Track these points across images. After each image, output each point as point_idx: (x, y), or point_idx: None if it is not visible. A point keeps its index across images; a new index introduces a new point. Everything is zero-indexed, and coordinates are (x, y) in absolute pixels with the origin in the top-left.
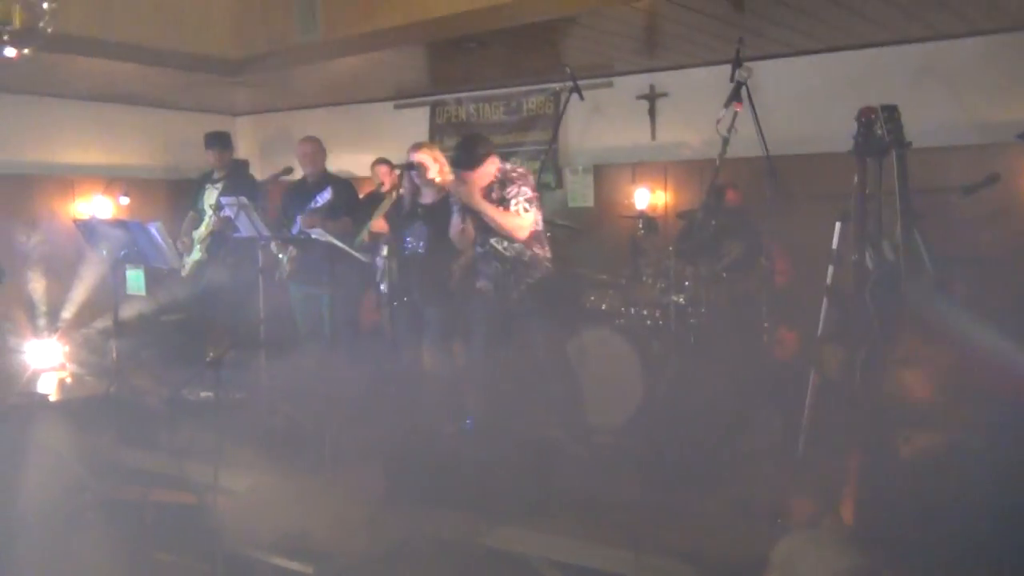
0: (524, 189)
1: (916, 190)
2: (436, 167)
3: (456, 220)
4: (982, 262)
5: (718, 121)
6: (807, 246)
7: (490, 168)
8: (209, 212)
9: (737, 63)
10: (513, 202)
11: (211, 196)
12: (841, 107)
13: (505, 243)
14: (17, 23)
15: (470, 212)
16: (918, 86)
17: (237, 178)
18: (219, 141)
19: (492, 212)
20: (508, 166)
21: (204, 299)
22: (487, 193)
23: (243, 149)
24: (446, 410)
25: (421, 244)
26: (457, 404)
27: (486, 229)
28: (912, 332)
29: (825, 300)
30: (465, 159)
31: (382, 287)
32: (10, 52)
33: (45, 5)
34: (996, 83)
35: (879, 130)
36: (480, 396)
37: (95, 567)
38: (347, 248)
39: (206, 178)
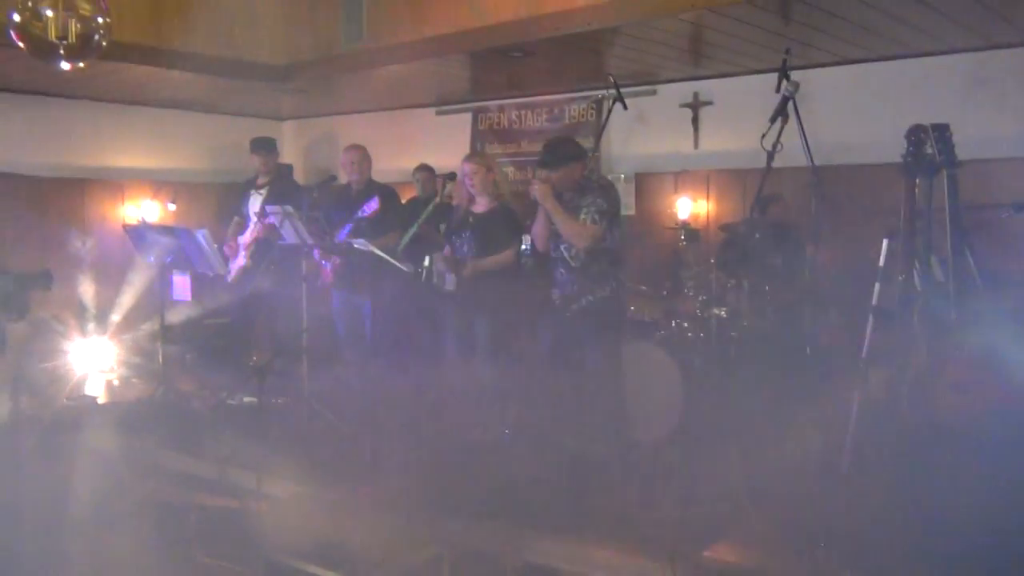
0: (600, 201)
1: (967, 205)
2: (484, 178)
3: (540, 220)
4: None
5: (763, 136)
6: (854, 259)
7: (574, 172)
8: (254, 218)
9: (784, 74)
10: (584, 210)
11: (256, 202)
12: (889, 117)
13: (573, 251)
14: (73, 38)
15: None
16: (968, 96)
17: (281, 183)
18: (264, 146)
19: (559, 214)
20: (595, 176)
21: (248, 305)
22: (564, 196)
23: (288, 153)
24: (486, 421)
25: (469, 253)
26: (498, 415)
27: (559, 234)
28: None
29: (871, 319)
30: (548, 158)
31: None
32: (65, 65)
33: (100, 20)
34: None
35: (929, 149)
36: (521, 407)
37: (139, 569)
38: (390, 259)
39: (250, 184)
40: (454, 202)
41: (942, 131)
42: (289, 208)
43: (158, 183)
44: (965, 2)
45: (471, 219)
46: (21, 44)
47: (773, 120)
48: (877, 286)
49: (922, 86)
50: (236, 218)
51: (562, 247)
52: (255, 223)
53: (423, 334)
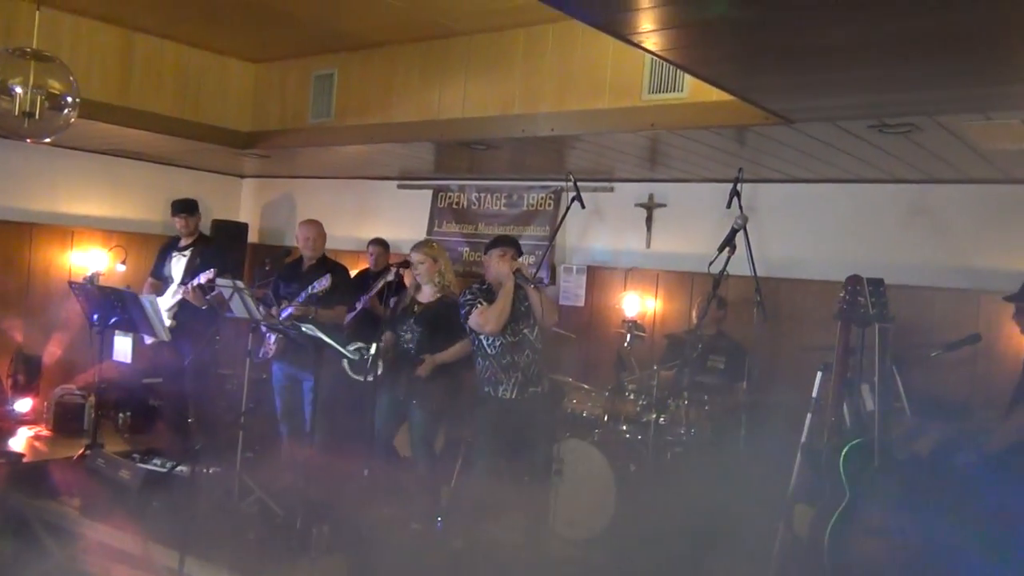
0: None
1: (900, 330)
2: (430, 268)
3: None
4: (959, 406)
5: (711, 263)
6: (791, 369)
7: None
8: (176, 280)
9: (735, 192)
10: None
11: (179, 263)
12: (834, 236)
13: (536, 332)
14: (40, 115)
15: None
16: (908, 224)
17: (206, 247)
18: (187, 208)
19: (538, 291)
20: None
21: (180, 368)
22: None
23: (246, 211)
24: (419, 509)
25: (413, 341)
26: (431, 503)
27: (519, 317)
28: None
29: (799, 456)
30: (517, 246)
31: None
32: (27, 140)
33: (69, 99)
34: (983, 231)
35: (863, 300)
36: (458, 497)
37: None
38: (337, 346)
39: (171, 245)
40: (402, 281)
41: (876, 286)
42: (240, 283)
43: (109, 232)
44: (906, 144)
45: (416, 308)
46: None
47: (721, 249)
48: (809, 417)
49: (865, 211)
50: (151, 280)
51: (524, 329)
52: (182, 287)
53: (361, 417)
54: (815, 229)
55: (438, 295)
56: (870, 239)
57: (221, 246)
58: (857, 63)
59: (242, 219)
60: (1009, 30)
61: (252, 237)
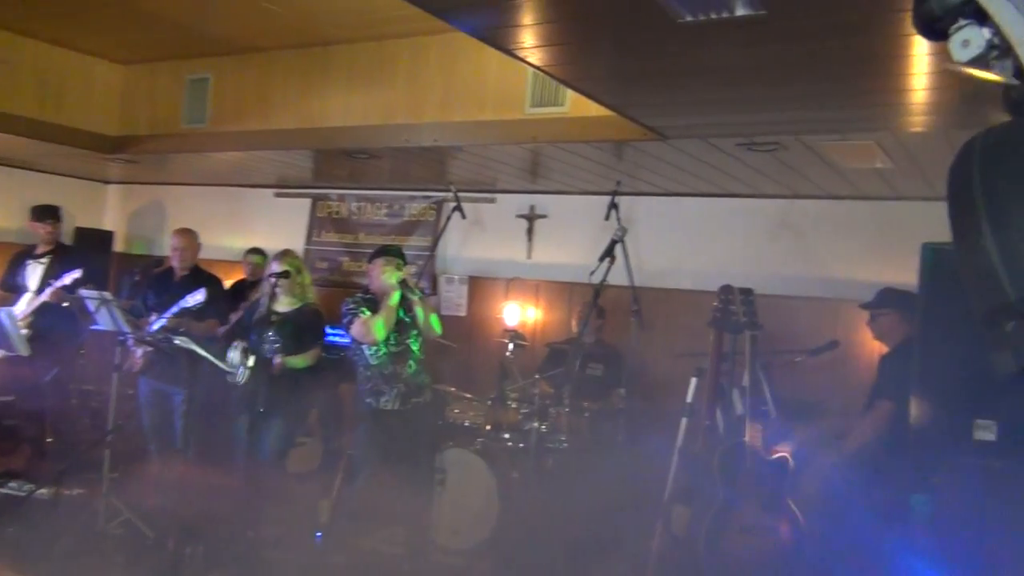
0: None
1: (766, 337)
2: (292, 279)
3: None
4: (819, 408)
5: (592, 272)
6: (666, 376)
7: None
8: (32, 288)
9: (613, 204)
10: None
11: (35, 272)
12: (705, 248)
13: (419, 343)
14: None
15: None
16: (774, 237)
17: (65, 254)
18: (51, 215)
19: (425, 302)
20: None
21: (37, 384)
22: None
23: (111, 219)
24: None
25: (271, 352)
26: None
27: (403, 328)
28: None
29: (676, 458)
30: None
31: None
32: None
33: None
34: (840, 244)
35: (735, 309)
36: (339, 510)
37: None
38: (212, 358)
39: (26, 253)
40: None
41: (747, 295)
42: (107, 294)
43: None
44: (772, 161)
45: (274, 317)
46: None
47: (602, 260)
48: (684, 422)
49: (735, 224)
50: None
51: (407, 340)
52: (39, 294)
53: (235, 431)
54: (688, 241)
55: (297, 304)
56: (739, 251)
57: (84, 254)
58: (728, 85)
59: (107, 227)
60: (863, 59)
61: (118, 246)
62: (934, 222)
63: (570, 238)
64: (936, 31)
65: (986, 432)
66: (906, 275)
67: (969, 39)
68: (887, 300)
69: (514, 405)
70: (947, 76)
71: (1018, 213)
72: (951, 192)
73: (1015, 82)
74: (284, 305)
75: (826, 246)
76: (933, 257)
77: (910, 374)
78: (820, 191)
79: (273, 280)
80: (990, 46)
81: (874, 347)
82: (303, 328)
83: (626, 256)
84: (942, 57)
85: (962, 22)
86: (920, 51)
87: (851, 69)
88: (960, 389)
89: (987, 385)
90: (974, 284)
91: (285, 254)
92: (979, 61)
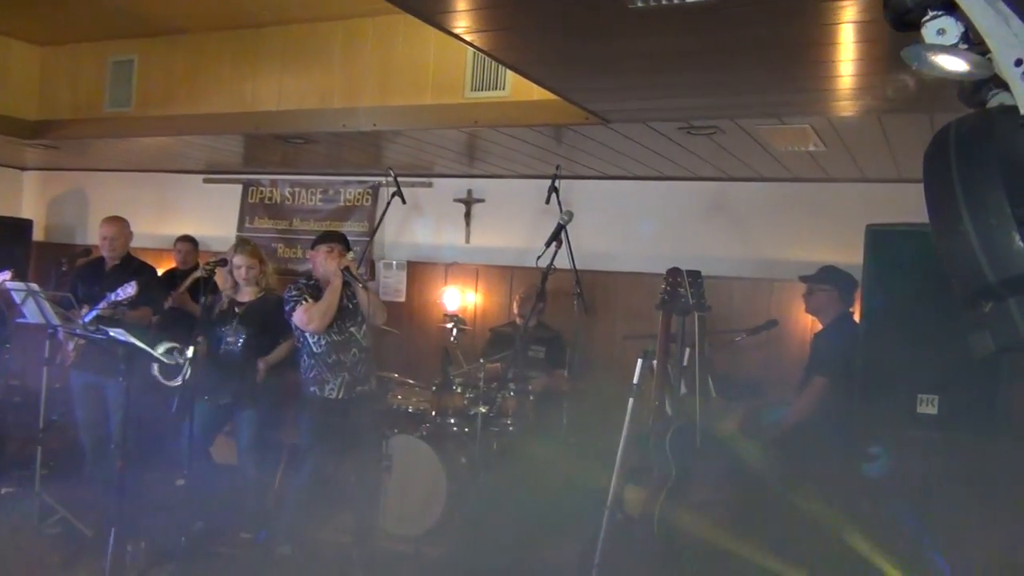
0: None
1: (712, 331)
2: (257, 272)
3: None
4: (757, 386)
5: (539, 257)
6: (610, 357)
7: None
8: None
9: (553, 188)
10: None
11: None
12: (644, 231)
13: (363, 330)
14: None
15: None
16: (710, 219)
17: None
18: None
19: (367, 289)
20: None
21: None
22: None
23: (29, 207)
24: (244, 518)
25: (239, 343)
26: (258, 512)
27: (346, 315)
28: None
29: (623, 440)
30: (344, 242)
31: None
32: None
33: None
34: (774, 225)
35: (683, 291)
36: (283, 501)
37: None
38: (150, 350)
39: None
40: (221, 289)
41: (695, 277)
42: (34, 286)
43: None
44: (709, 145)
45: (237, 309)
46: None
47: (548, 244)
48: (631, 402)
49: (673, 207)
50: None
51: (351, 327)
52: None
53: (173, 424)
54: (626, 224)
55: (260, 293)
56: (677, 233)
57: (2, 244)
58: (672, 70)
59: (25, 215)
60: (796, 44)
61: (38, 235)
62: (864, 203)
63: (509, 222)
64: (906, 22)
65: (928, 406)
66: (838, 255)
67: (945, 28)
68: (827, 277)
69: (459, 390)
70: (871, 63)
71: (994, 198)
72: (928, 179)
73: (977, 73)
74: (248, 295)
75: (761, 228)
76: (876, 238)
77: (844, 350)
78: (755, 174)
79: (207, 267)
80: (963, 36)
81: (808, 325)
82: (269, 317)
83: (568, 240)
84: (870, 45)
85: (933, 12)
86: (847, 39)
87: (787, 54)
88: (903, 365)
89: (928, 361)
90: (953, 267)
91: (244, 245)
92: (943, 51)
